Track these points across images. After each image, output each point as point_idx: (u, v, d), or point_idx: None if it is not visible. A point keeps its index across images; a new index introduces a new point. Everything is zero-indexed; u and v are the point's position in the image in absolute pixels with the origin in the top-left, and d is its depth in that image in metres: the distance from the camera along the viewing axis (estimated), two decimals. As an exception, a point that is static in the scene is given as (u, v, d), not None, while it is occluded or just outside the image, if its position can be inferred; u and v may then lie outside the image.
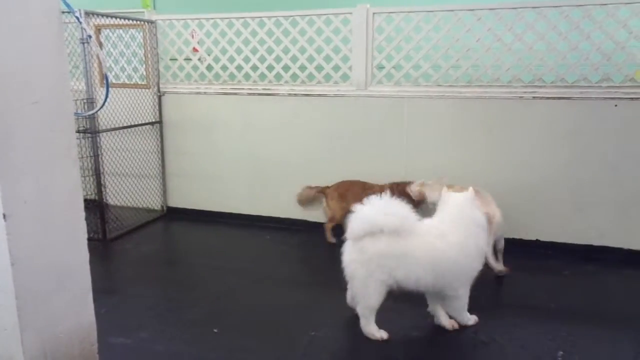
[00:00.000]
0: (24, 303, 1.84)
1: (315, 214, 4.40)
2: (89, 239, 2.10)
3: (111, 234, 4.21)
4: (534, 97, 3.78)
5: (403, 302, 3.18)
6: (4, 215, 1.73)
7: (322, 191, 4.10)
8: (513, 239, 3.96)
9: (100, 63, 4.23)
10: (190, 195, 4.81)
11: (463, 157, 3.99)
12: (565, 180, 3.81)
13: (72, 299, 2.08)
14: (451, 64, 3.94)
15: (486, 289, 3.31)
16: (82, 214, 2.07)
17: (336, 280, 3.50)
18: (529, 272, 3.59)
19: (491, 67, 3.86)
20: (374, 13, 3.99)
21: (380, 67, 4.13)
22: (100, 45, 4.48)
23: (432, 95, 3.99)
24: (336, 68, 4.20)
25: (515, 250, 3.90)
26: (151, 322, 2.90)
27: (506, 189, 3.92)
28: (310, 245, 4.09)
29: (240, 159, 4.60)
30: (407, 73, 4.06)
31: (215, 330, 2.78)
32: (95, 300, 2.18)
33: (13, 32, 1.73)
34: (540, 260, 3.77)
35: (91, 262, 2.12)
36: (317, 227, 4.33)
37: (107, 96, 3.39)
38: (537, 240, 3.95)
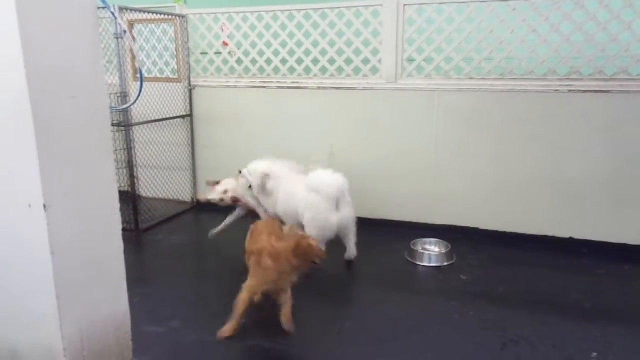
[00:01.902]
0: (63, 291, 1.91)
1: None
2: (123, 230, 2.16)
3: (143, 225, 4.31)
4: (570, 90, 3.67)
5: (433, 295, 3.16)
6: (45, 206, 1.79)
7: None
8: (545, 236, 3.89)
9: (133, 57, 4.31)
10: (219, 187, 4.87)
11: (495, 152, 3.92)
12: (601, 177, 3.70)
13: (108, 287, 2.14)
14: (484, 57, 3.85)
15: (515, 287, 3.26)
16: (117, 205, 2.12)
17: (363, 274, 3.51)
18: (561, 270, 3.50)
19: (526, 59, 3.76)
20: (404, 5, 3.93)
21: (411, 60, 4.08)
22: (134, 39, 4.57)
23: (464, 89, 3.92)
24: (366, 61, 4.17)
25: (548, 248, 3.83)
26: (182, 312, 2.96)
27: (539, 184, 3.84)
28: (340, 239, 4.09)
29: (269, 153, 4.60)
30: (438, 66, 3.99)
31: (244, 321, 2.82)
32: (128, 289, 2.24)
33: (53, 28, 1.78)
34: (574, 258, 3.67)
35: (124, 252, 2.17)
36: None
37: (140, 90, 3.45)
38: (570, 238, 3.85)
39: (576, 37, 3.61)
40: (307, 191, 3.52)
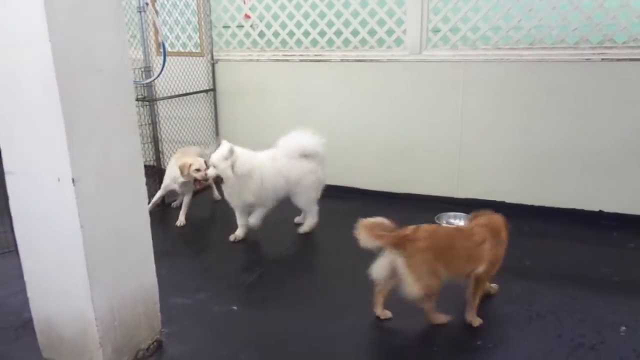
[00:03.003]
0: (92, 263, 1.96)
1: (367, 182, 4.39)
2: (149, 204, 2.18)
3: (169, 199, 4.38)
4: (602, 59, 3.53)
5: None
6: (73, 180, 1.82)
7: None
8: (573, 209, 3.81)
9: (156, 31, 4.31)
10: (243, 162, 4.88)
11: (523, 124, 3.82)
12: (634, 149, 3.58)
13: (135, 260, 2.19)
14: (512, 25, 3.72)
15: (542, 260, 3.22)
16: (143, 179, 2.15)
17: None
18: (590, 243, 3.44)
19: (556, 27, 3.62)
20: (430, -28, 3.81)
21: (436, 30, 3.97)
22: (156, 13, 4.55)
23: (491, 59, 3.81)
24: (390, 32, 4.08)
25: (576, 221, 3.75)
26: (208, 284, 3.02)
27: (568, 157, 3.75)
28: (363, 213, 4.06)
29: (292, 126, 4.58)
30: (465, 36, 3.88)
31: (265, 294, 2.86)
32: (155, 262, 2.28)
33: (76, 2, 1.78)
34: (604, 232, 3.59)
35: (151, 225, 2.21)
36: (372, 194, 4.33)
37: (164, 64, 3.46)
38: (600, 211, 3.76)
39: (610, 3, 3.45)
40: (295, 159, 3.57)
